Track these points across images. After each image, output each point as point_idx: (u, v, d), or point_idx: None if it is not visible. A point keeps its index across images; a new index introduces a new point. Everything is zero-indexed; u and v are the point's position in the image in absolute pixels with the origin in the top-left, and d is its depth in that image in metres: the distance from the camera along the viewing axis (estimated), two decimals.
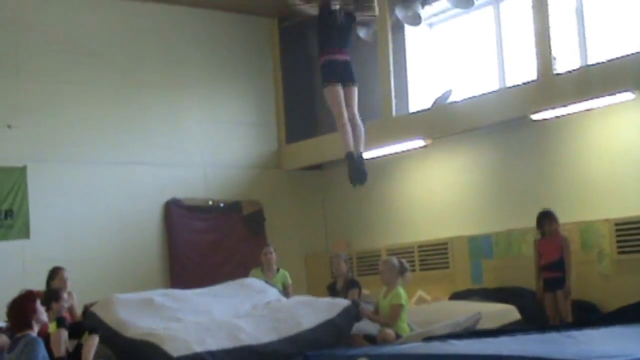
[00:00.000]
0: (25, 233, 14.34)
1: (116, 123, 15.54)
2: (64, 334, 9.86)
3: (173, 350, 9.10)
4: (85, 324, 10.06)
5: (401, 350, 6.52)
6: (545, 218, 12.16)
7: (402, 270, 11.05)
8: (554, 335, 6.88)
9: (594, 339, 6.53)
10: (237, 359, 9.26)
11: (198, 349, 9.13)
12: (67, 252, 14.20)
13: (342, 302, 10.67)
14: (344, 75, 10.58)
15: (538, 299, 12.20)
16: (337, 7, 10.64)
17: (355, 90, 10.71)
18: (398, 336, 10.24)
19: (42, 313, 7.51)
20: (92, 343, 9.72)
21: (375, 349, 7.14)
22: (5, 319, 8.92)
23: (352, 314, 10.43)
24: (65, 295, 10.78)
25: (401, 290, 10.84)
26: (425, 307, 13.23)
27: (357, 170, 10.48)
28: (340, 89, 10.59)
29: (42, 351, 7.15)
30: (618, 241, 12.54)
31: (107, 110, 15.48)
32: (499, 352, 5.47)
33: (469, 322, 10.29)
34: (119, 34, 15.86)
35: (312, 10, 10.80)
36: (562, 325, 9.68)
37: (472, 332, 9.11)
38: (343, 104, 10.58)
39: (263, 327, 9.82)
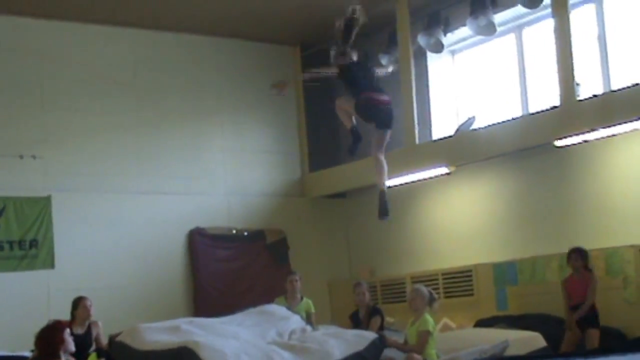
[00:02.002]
0: (50, 263, 14.44)
1: (140, 153, 15.65)
2: None
3: (209, 358, 9.13)
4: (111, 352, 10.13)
5: None
6: (573, 254, 12.13)
7: (431, 300, 11.05)
8: None
9: None
10: None
11: None
12: (91, 282, 14.27)
13: (370, 335, 10.65)
14: (381, 119, 10.48)
15: (567, 336, 12.08)
16: (354, 58, 10.65)
17: (388, 135, 10.64)
18: None
19: (70, 343, 7.53)
20: None
21: None
22: (31, 348, 9.00)
23: (379, 347, 10.44)
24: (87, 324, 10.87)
25: (429, 317, 10.83)
26: (451, 335, 13.16)
27: (380, 204, 10.54)
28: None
29: None
30: None
31: (131, 140, 15.61)
32: None
33: (495, 350, 10.24)
34: (143, 64, 15.97)
35: (331, 69, 10.80)
36: (588, 352, 9.60)
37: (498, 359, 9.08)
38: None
39: (296, 354, 9.83)
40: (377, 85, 10.67)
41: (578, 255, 12.06)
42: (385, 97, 10.52)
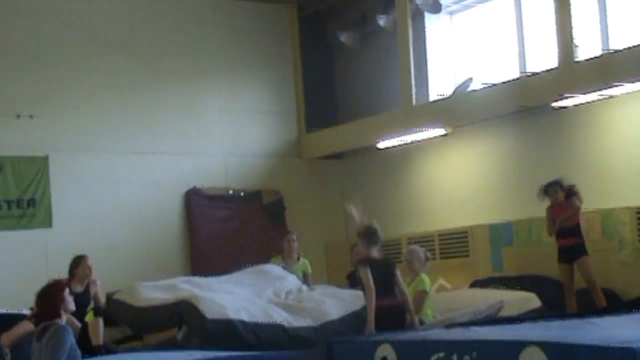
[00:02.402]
0: (47, 222, 14.48)
1: (137, 112, 15.62)
2: (101, 322, 10.02)
3: (207, 311, 9.23)
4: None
5: (423, 336, 6.54)
6: (552, 186, 12.07)
7: (426, 259, 11.11)
8: (575, 322, 6.89)
9: (615, 325, 6.52)
10: (267, 335, 9.37)
11: (232, 316, 9.24)
12: (89, 241, 14.26)
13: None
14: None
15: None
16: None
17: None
18: (421, 322, 10.27)
19: (70, 302, 7.54)
20: (98, 322, 9.86)
21: (397, 334, 7.15)
22: (30, 306, 9.03)
23: None
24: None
25: (425, 277, 10.89)
26: (446, 295, 13.23)
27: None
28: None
29: (70, 339, 7.18)
30: (639, 229, 12.50)
31: (128, 100, 15.58)
32: (520, 337, 5.49)
33: (490, 310, 10.29)
34: (140, 24, 15.92)
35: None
36: (583, 312, 9.66)
37: (493, 319, 9.13)
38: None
39: (293, 313, 9.91)
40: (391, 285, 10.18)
41: (557, 188, 12.03)
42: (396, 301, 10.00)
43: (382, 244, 10.13)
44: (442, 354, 5.67)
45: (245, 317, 9.42)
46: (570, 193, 12.05)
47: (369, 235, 9.97)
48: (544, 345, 5.06)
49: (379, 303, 9.31)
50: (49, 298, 7.39)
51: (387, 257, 10.89)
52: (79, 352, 7.33)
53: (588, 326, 6.52)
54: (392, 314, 9.51)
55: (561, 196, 12.02)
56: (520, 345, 5.20)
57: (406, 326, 10.09)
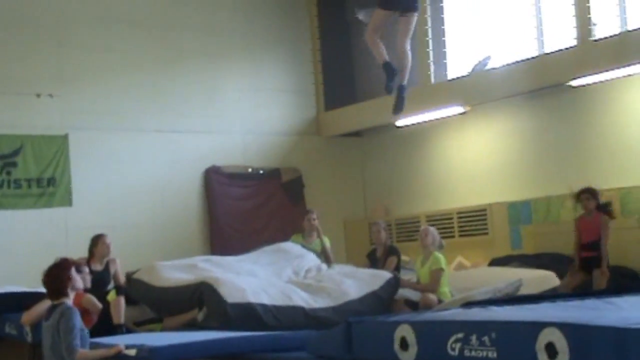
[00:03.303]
0: (67, 200, 14.57)
1: (156, 91, 15.68)
2: (123, 301, 10.11)
3: (227, 295, 9.28)
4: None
5: (441, 316, 6.58)
6: (583, 194, 11.80)
7: (440, 246, 11.17)
8: (594, 302, 6.91)
9: (634, 305, 6.55)
10: (287, 317, 9.43)
11: (252, 299, 9.30)
12: (108, 219, 14.39)
13: (384, 275, 10.77)
14: (402, 2, 9.46)
15: (569, 273, 11.90)
16: None
17: (414, 20, 9.61)
18: (440, 301, 10.33)
19: (78, 281, 7.57)
20: (120, 301, 9.95)
21: (416, 315, 7.22)
22: None
23: (394, 286, 10.56)
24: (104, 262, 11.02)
25: (439, 255, 10.92)
26: (465, 273, 13.26)
27: (397, 99, 9.97)
28: (387, 20, 9.78)
29: (78, 320, 7.22)
30: None
31: (148, 79, 15.63)
32: (539, 318, 5.53)
33: (509, 289, 10.30)
34: (159, 3, 15.96)
35: None
36: (602, 291, 9.68)
37: (512, 298, 9.16)
38: (377, 34, 9.84)
39: (312, 295, 9.96)
40: None
41: (589, 195, 11.76)
42: None
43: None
44: (460, 335, 5.72)
45: (265, 300, 9.46)
46: (603, 209, 11.85)
47: None
48: (562, 327, 5.10)
49: None
50: (55, 277, 7.42)
51: None
52: (86, 332, 7.39)
53: (607, 306, 6.55)
54: None
55: (592, 205, 11.74)
56: (539, 326, 5.24)
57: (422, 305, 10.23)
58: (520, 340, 5.35)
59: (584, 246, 11.86)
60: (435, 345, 5.92)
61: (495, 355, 5.50)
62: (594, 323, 5.14)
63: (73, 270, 7.49)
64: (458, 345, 5.75)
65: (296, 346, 7.73)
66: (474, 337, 5.64)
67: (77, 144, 14.69)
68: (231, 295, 9.32)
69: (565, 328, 5.10)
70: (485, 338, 5.56)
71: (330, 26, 17.56)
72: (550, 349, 5.15)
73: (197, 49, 16.20)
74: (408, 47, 9.81)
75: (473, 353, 5.65)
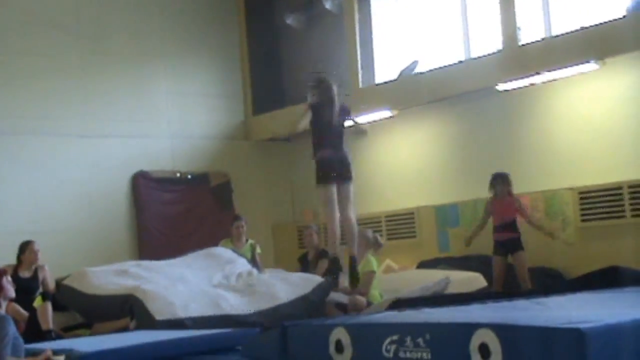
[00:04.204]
0: None
1: (83, 95, 15.56)
2: (50, 307, 10.00)
3: (156, 311, 9.22)
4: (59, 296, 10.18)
5: (376, 319, 6.65)
6: (499, 179, 12.06)
7: (376, 245, 11.25)
8: (523, 303, 7.03)
9: (563, 306, 6.67)
10: (217, 327, 9.38)
11: (181, 314, 9.26)
12: (35, 225, 14.26)
13: (315, 278, 10.84)
14: (339, 173, 10.70)
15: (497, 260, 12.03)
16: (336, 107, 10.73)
17: (351, 188, 10.76)
18: (369, 304, 10.40)
19: (9, 290, 7.48)
20: (47, 307, 9.86)
21: (351, 318, 7.26)
22: None
23: (325, 289, 10.62)
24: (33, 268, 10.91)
25: (372, 258, 11.02)
26: (394, 276, 13.37)
27: (351, 274, 10.61)
28: (334, 190, 10.68)
29: (12, 328, 7.14)
30: (582, 209, 12.75)
31: (74, 82, 15.51)
32: (472, 320, 5.61)
33: (437, 287, 10.45)
34: (85, 5, 15.86)
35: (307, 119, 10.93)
36: (529, 292, 9.85)
37: (441, 297, 9.28)
38: (335, 208, 10.68)
39: (242, 299, 9.97)
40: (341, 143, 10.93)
41: (506, 181, 12.01)
42: (341, 152, 10.85)
43: None
44: (395, 337, 5.76)
45: (194, 312, 9.42)
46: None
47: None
48: (495, 328, 5.19)
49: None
50: None
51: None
52: (21, 340, 7.29)
53: (537, 307, 6.65)
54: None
55: (505, 189, 12.01)
56: (472, 328, 5.31)
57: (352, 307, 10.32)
58: (453, 342, 5.42)
59: (498, 228, 12.00)
60: (371, 347, 5.96)
61: (429, 356, 5.56)
62: (525, 323, 5.24)
63: (4, 279, 7.40)
64: (393, 347, 5.79)
65: (231, 345, 7.73)
66: (408, 339, 5.69)
67: (2, 148, 14.54)
68: (160, 312, 9.25)
69: (497, 329, 5.18)
70: (420, 339, 5.62)
71: (258, 30, 17.58)
72: (484, 349, 5.23)
73: (124, 52, 16.13)
74: (352, 215, 10.49)
75: (408, 354, 5.70)
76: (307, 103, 11.02)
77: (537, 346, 4.98)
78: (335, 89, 10.91)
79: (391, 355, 5.80)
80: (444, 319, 5.94)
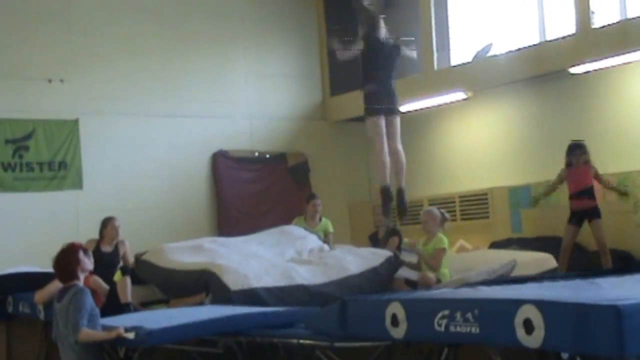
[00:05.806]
0: (78, 184, 14.87)
1: (164, 76, 15.93)
2: (129, 281, 10.41)
3: (231, 282, 9.50)
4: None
5: (430, 295, 6.90)
6: (576, 148, 11.92)
7: (443, 220, 11.32)
8: (577, 282, 7.19)
9: (617, 286, 6.80)
10: (290, 297, 9.64)
11: (255, 284, 9.54)
12: (118, 202, 14.68)
13: (384, 253, 11.00)
14: (386, 106, 10.92)
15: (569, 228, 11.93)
16: (383, 37, 10.97)
17: (398, 121, 10.96)
18: (438, 281, 10.53)
19: (87, 263, 7.77)
20: (126, 281, 10.24)
21: (407, 294, 7.53)
22: None
23: (394, 264, 10.80)
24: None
25: (443, 236, 11.08)
26: (465, 255, 13.44)
27: (399, 205, 10.78)
28: (382, 122, 10.87)
29: (90, 300, 7.45)
30: None
31: (156, 64, 15.89)
32: (519, 296, 5.81)
33: (503, 270, 10.48)
34: None
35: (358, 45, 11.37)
36: (592, 272, 9.88)
37: (504, 279, 9.41)
38: (385, 139, 10.87)
39: (313, 271, 10.20)
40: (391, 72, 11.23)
41: (581, 149, 11.88)
42: (390, 84, 11.11)
43: None
44: (446, 312, 5.98)
45: (267, 283, 9.64)
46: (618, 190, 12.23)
47: None
48: (538, 304, 5.39)
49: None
50: (64, 261, 7.64)
51: None
52: (97, 311, 7.59)
53: (590, 286, 6.81)
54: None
55: (583, 158, 11.87)
56: (517, 304, 5.52)
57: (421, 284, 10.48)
58: (500, 317, 5.63)
59: (574, 196, 11.90)
60: (424, 321, 6.19)
61: (477, 330, 5.78)
62: (567, 300, 5.43)
63: (81, 253, 7.70)
64: (444, 322, 6.01)
65: (296, 321, 7.98)
66: (458, 314, 5.91)
67: (88, 128, 14.97)
68: (235, 283, 9.50)
69: (540, 305, 5.39)
70: (469, 315, 5.83)
71: (336, 10, 17.73)
72: (528, 324, 5.43)
73: (205, 34, 16.45)
74: (400, 147, 10.68)
75: (458, 329, 5.92)
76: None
77: (577, 322, 5.17)
78: (381, 20, 11.10)
79: (442, 329, 6.03)
80: (492, 295, 6.15)
